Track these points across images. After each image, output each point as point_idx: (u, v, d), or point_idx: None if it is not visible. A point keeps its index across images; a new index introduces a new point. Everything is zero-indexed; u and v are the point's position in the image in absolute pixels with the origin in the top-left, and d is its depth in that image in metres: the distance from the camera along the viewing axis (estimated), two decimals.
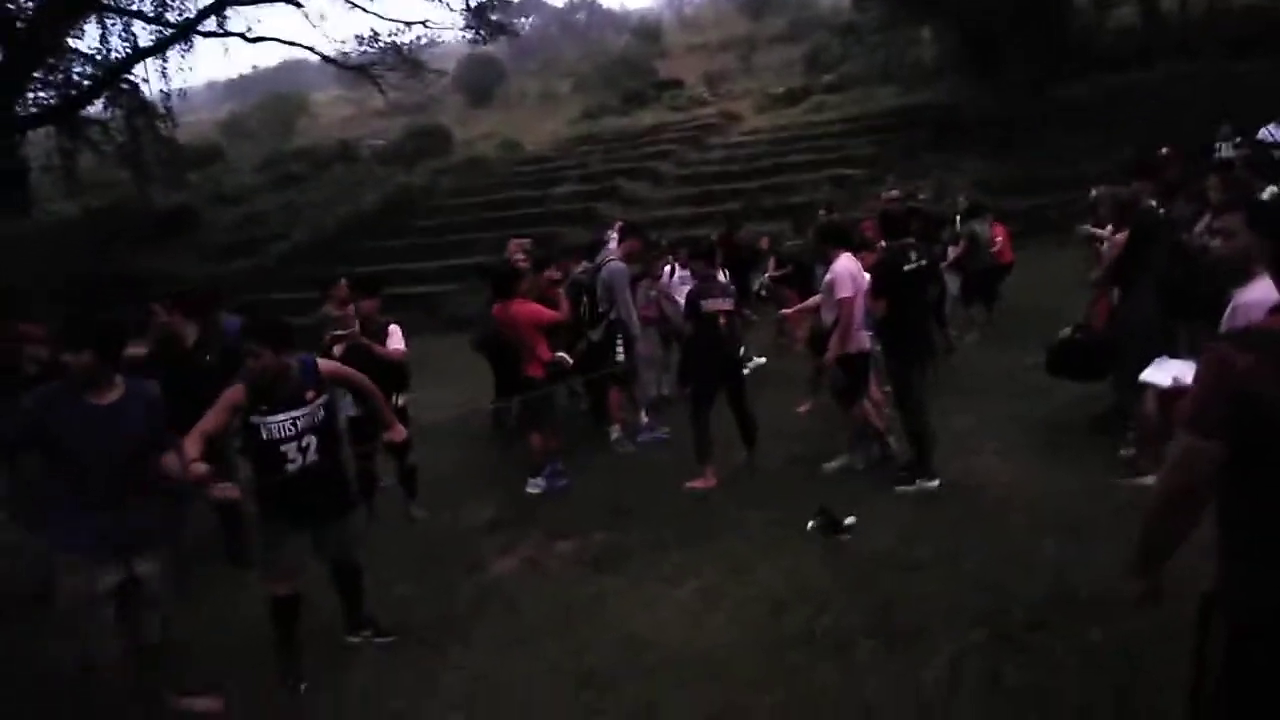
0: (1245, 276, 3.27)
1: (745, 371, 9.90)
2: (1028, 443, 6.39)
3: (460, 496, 6.70)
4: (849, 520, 5.18)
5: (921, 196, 15.23)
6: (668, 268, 8.89)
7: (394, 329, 6.28)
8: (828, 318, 6.23)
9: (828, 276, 6.18)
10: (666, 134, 26.70)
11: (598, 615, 4.51)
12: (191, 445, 3.70)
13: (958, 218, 10.73)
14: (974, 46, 20.60)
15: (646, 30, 45.90)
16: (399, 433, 4.64)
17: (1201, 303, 4.53)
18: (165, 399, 3.76)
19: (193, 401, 4.03)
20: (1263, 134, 12.86)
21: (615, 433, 7.52)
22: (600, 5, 55.54)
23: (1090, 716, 3.19)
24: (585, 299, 7.44)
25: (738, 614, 4.33)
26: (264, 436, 3.97)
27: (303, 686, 4.10)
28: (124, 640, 3.65)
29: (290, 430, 3.98)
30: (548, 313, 6.87)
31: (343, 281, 6.76)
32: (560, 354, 6.83)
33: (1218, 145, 13.46)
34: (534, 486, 6.55)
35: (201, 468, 3.59)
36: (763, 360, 10.13)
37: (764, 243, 12.70)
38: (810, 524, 5.20)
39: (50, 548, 3.57)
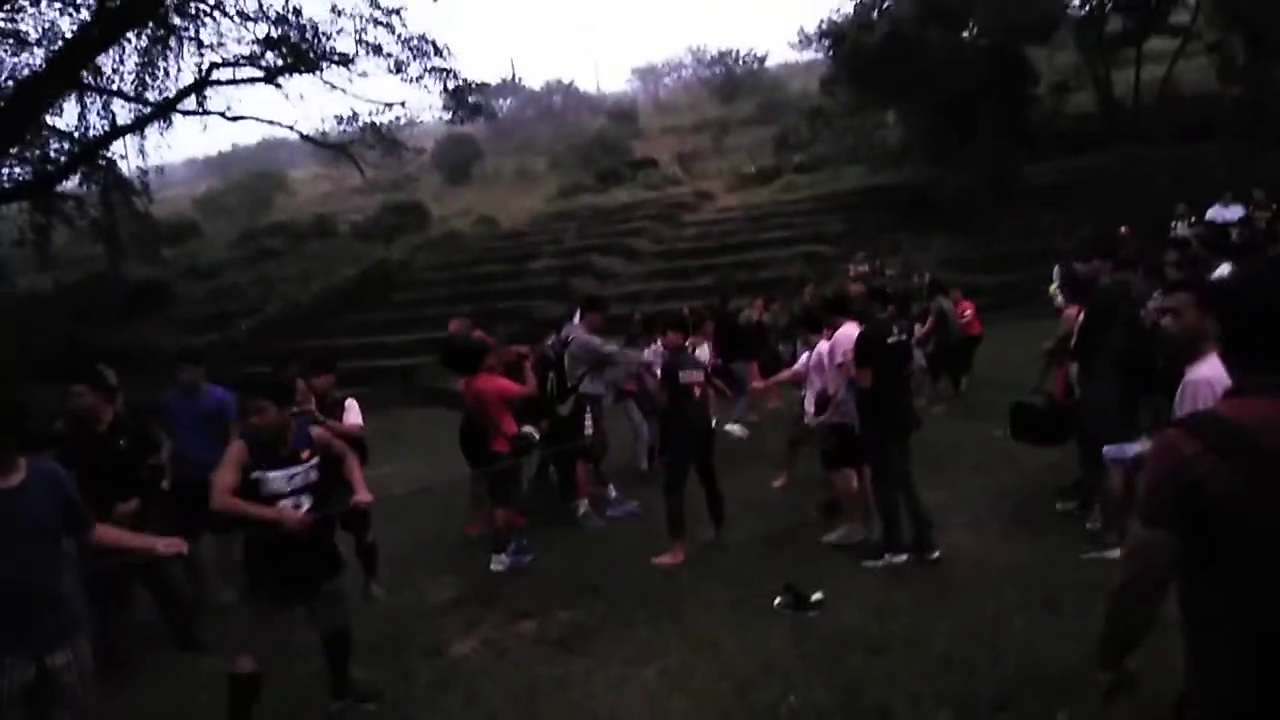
0: (1194, 354, 3.33)
1: (737, 433, 9.99)
2: (996, 515, 6.39)
3: (423, 573, 6.55)
4: (816, 596, 5.11)
5: (889, 273, 15.56)
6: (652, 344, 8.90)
7: (350, 403, 6.18)
8: (822, 384, 6.35)
9: (825, 345, 6.34)
10: (641, 211, 27.17)
11: (559, 699, 4.37)
12: (227, 500, 3.91)
13: (924, 293, 10.95)
14: (939, 130, 21.27)
15: (621, 112, 47.02)
16: (365, 496, 4.56)
17: (1160, 378, 4.59)
18: (76, 478, 3.63)
19: (103, 482, 3.96)
20: (1212, 214, 13.30)
21: (583, 507, 7.43)
22: (576, 88, 56.86)
23: None
24: (552, 374, 7.43)
25: (703, 695, 4.21)
26: (262, 492, 4.02)
27: None
28: None
29: (286, 487, 4.07)
30: (515, 387, 6.84)
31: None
32: (526, 428, 6.78)
33: (1174, 224, 13.90)
34: (498, 564, 6.41)
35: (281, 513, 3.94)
36: (740, 431, 10.16)
37: (756, 313, 12.78)
38: (777, 601, 5.12)
39: None
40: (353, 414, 6.12)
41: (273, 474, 4.04)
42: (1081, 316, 5.70)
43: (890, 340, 5.86)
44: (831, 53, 23.39)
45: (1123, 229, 12.05)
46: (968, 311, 11.44)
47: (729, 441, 9.65)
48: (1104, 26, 22.05)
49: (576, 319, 7.78)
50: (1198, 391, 3.11)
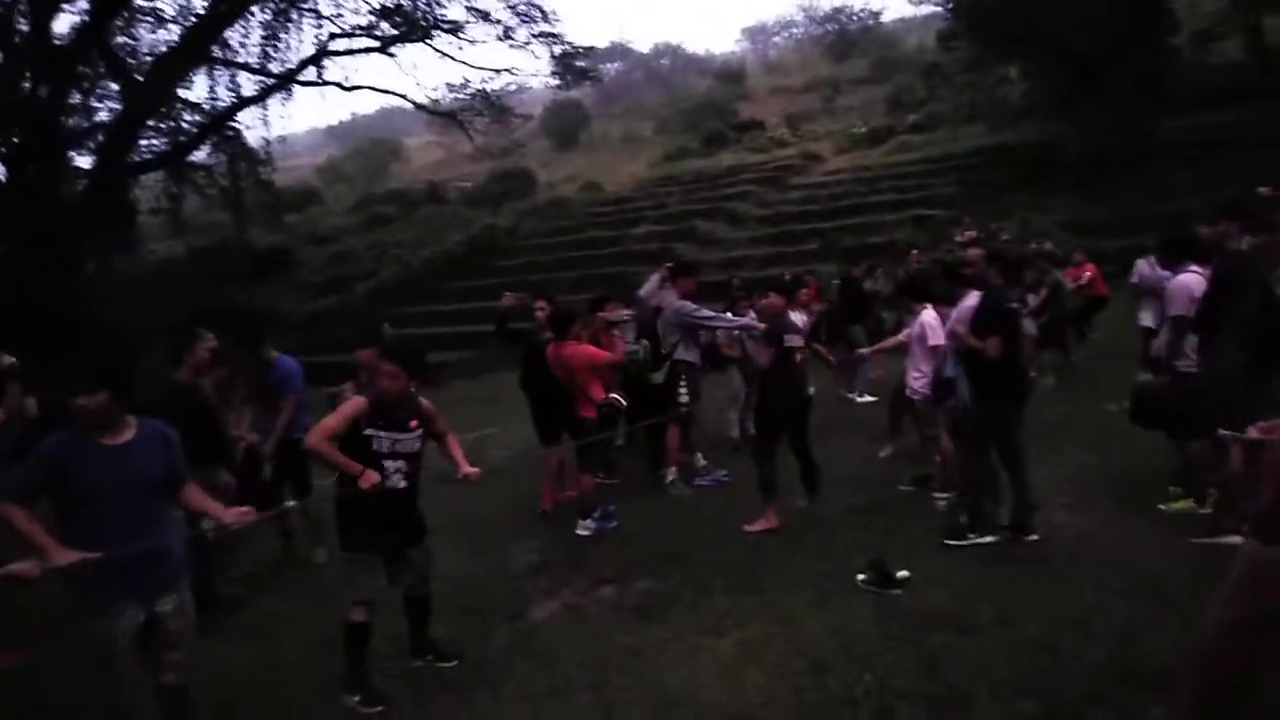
0: None
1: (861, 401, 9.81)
2: (1103, 495, 6.04)
3: (510, 537, 6.67)
4: (902, 574, 4.93)
5: (1004, 237, 14.81)
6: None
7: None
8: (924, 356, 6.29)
9: (929, 316, 6.32)
10: (745, 175, 26.77)
11: (634, 667, 4.37)
12: (322, 444, 4.13)
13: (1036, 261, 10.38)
14: (1065, 85, 20.01)
15: (729, 74, 46.25)
16: (471, 470, 4.63)
17: None
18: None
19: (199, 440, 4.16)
20: None
21: (671, 474, 7.40)
22: (684, 50, 56.21)
23: None
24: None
25: (778, 671, 4.14)
26: (374, 448, 4.23)
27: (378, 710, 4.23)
28: (148, 682, 3.65)
29: (390, 449, 4.26)
30: (602, 354, 6.85)
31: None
32: (613, 395, 6.78)
33: None
34: (583, 529, 6.47)
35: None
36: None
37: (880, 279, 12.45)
38: (861, 577, 4.98)
39: (73, 592, 3.54)
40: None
41: (384, 434, 4.24)
42: (1207, 285, 5.26)
43: (1012, 305, 5.58)
44: (950, 5, 22.32)
45: (1263, 190, 11.08)
46: (1087, 274, 10.85)
47: (832, 411, 9.48)
48: None
49: (654, 282, 7.70)
50: None
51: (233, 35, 21.45)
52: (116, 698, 3.53)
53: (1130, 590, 4.46)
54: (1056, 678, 3.71)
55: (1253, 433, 3.99)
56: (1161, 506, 5.59)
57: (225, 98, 22.31)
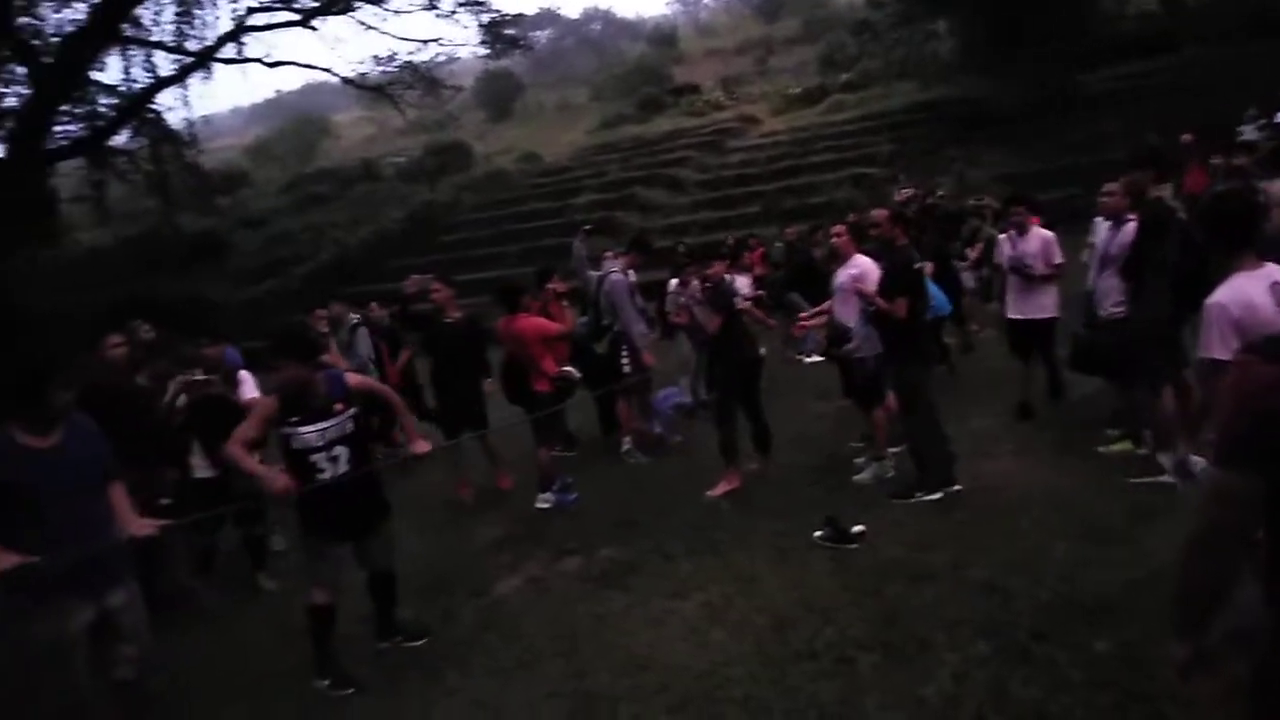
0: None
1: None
2: (1046, 442, 6.25)
3: (470, 515, 6.69)
4: (857, 529, 5.08)
5: (940, 193, 15.05)
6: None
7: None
8: (847, 315, 6.17)
9: (851, 272, 6.09)
10: (684, 140, 26.72)
11: (601, 635, 4.44)
12: (238, 453, 4.03)
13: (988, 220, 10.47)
14: (993, 39, 20.29)
15: (662, 37, 46.01)
16: (423, 447, 4.65)
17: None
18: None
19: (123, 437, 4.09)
20: None
21: (626, 443, 7.47)
22: (615, 15, 55.77)
23: None
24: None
25: (741, 630, 4.24)
26: (294, 446, 4.13)
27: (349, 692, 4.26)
28: (101, 679, 3.62)
29: (319, 441, 4.13)
30: (553, 326, 6.86)
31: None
32: (567, 368, 6.80)
33: (1241, 129, 13.17)
34: (543, 502, 6.51)
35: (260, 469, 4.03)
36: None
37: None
38: (818, 534, 5.11)
39: (14, 593, 3.44)
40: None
41: (304, 429, 4.11)
42: (1132, 232, 5.44)
43: (916, 266, 5.69)
44: None
45: (1185, 136, 11.45)
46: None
47: (780, 372, 9.60)
48: None
49: (579, 248, 7.69)
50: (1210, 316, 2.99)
51: (145, 13, 20.67)
52: (70, 698, 3.49)
53: (1073, 531, 4.66)
54: (1006, 618, 3.88)
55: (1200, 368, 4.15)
56: (1100, 449, 5.81)
57: (142, 79, 21.49)
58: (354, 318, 8.49)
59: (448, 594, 5.23)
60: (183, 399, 5.65)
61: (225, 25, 21.95)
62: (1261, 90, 14.17)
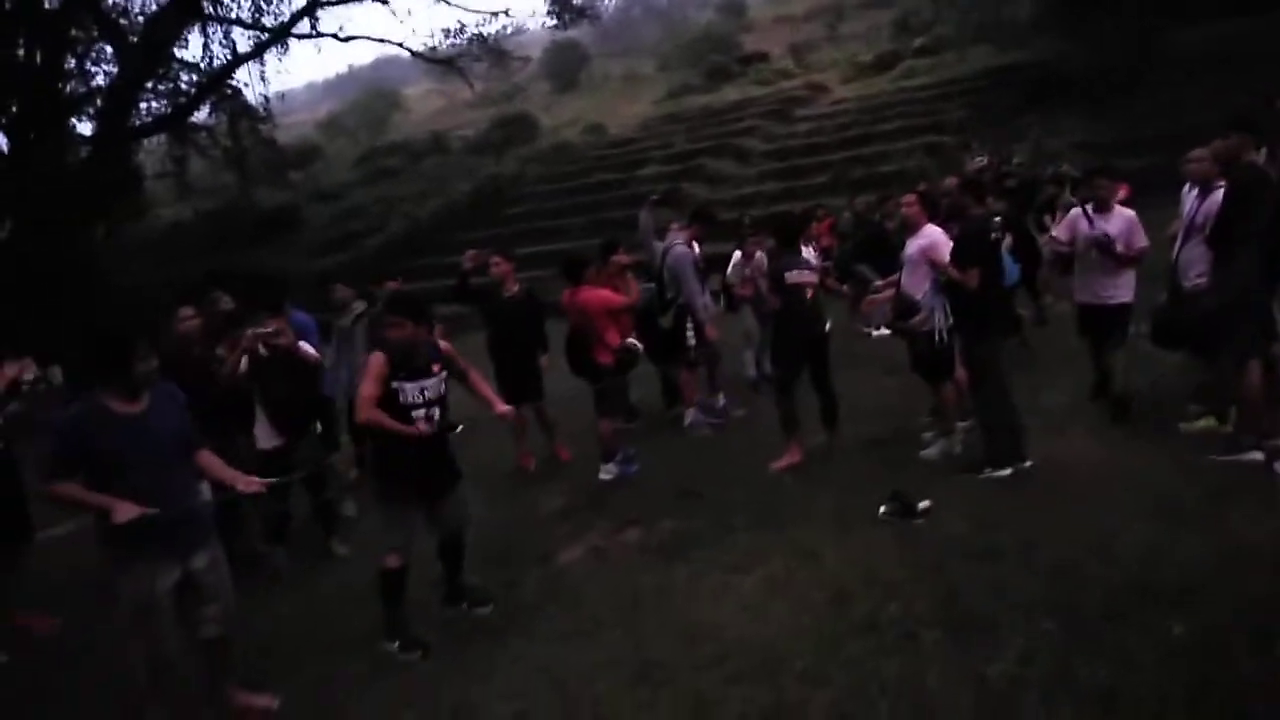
0: None
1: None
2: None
3: (533, 485, 6.78)
4: (923, 505, 5.00)
5: (1016, 161, 14.57)
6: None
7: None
8: (915, 287, 5.99)
9: (920, 243, 5.89)
10: (751, 109, 26.33)
11: (661, 606, 4.47)
12: (373, 413, 4.23)
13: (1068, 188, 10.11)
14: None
15: (730, 5, 45.24)
16: (504, 408, 4.77)
17: None
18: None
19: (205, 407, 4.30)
20: None
21: (689, 416, 7.47)
22: None
23: (1164, 717, 2.98)
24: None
25: (802, 603, 4.22)
26: (400, 400, 4.32)
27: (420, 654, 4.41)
28: (187, 638, 3.80)
29: (420, 398, 4.35)
30: (617, 298, 6.85)
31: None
32: (630, 340, 6.81)
33: None
34: (606, 473, 6.56)
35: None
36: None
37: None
38: (882, 509, 5.04)
39: (106, 553, 3.69)
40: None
41: (409, 385, 4.32)
42: (1221, 199, 5.18)
43: (993, 236, 5.53)
44: None
45: (1278, 102, 10.82)
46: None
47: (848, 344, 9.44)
48: None
49: (645, 219, 7.63)
50: None
51: None
52: (157, 652, 3.66)
53: (1150, 511, 4.50)
54: (1076, 599, 3.78)
55: None
56: (1182, 426, 5.60)
57: (221, 55, 22.11)
58: (358, 306, 7.47)
59: (512, 563, 5.33)
60: (245, 363, 5.66)
61: (300, 1, 22.22)
62: None
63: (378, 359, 4.35)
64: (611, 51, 43.15)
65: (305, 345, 6.04)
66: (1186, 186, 5.63)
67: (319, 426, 6.34)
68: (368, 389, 4.29)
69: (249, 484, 3.89)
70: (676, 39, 40.12)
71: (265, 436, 5.72)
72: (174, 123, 21.68)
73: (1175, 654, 3.27)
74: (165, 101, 21.78)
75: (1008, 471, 5.34)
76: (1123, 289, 6.07)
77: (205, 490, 4.25)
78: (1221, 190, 5.16)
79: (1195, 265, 5.34)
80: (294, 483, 5.47)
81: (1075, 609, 3.69)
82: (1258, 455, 4.87)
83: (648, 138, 26.80)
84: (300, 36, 22.83)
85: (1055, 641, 3.48)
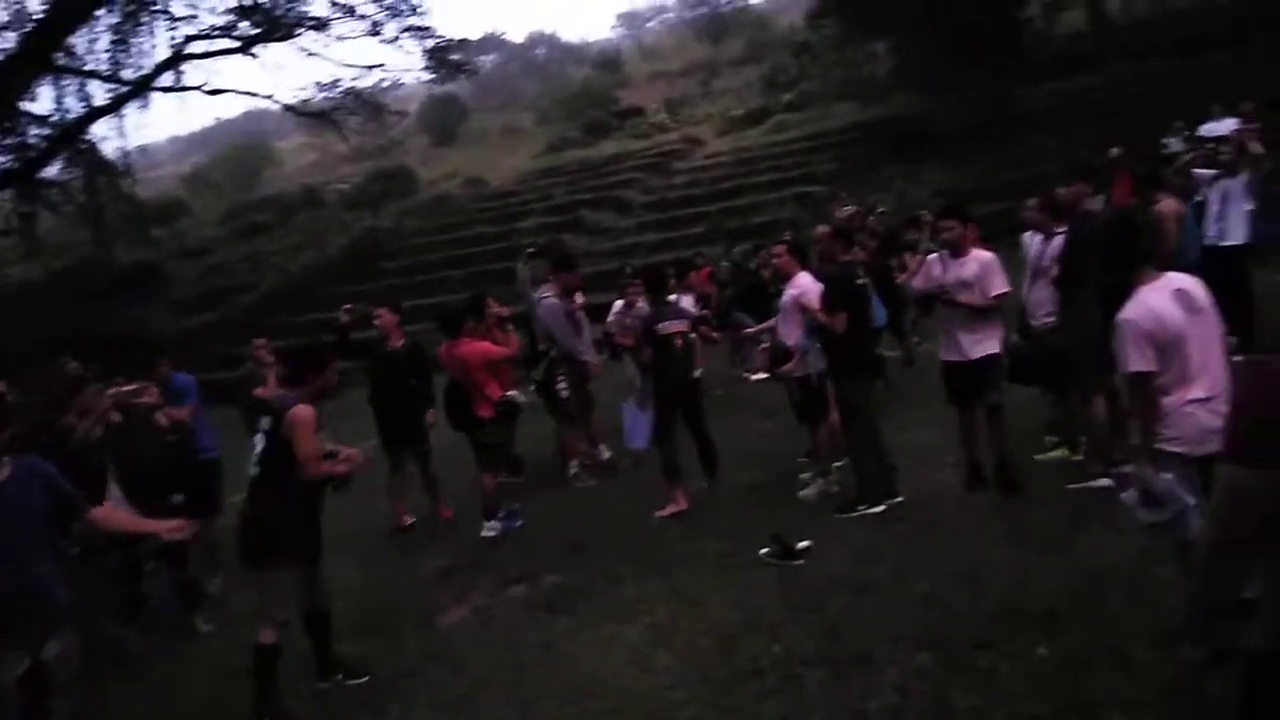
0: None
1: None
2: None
3: (414, 546, 6.57)
4: (803, 545, 5.08)
5: (881, 210, 15.30)
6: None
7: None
8: (789, 334, 6.17)
9: (792, 293, 6.10)
10: (629, 162, 26.86)
11: (548, 662, 4.38)
12: (324, 465, 4.22)
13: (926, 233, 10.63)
14: (928, 58, 20.80)
15: (606, 61, 46.27)
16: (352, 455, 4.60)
17: None
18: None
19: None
20: (1205, 129, 13.00)
21: (573, 468, 7.41)
22: (559, 39, 56.00)
23: None
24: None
25: (687, 651, 4.21)
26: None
27: None
28: None
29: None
30: (497, 350, 6.79)
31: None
32: (511, 393, 6.73)
33: (1166, 141, 13.62)
34: (489, 530, 6.41)
35: None
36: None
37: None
38: (763, 551, 5.10)
39: None
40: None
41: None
42: (1063, 244, 5.55)
43: (859, 282, 5.76)
44: None
45: (1113, 150, 11.80)
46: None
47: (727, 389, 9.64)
48: None
49: (522, 272, 7.64)
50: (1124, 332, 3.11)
51: (78, 41, 20.20)
52: None
53: (1014, 539, 4.72)
54: (949, 629, 3.90)
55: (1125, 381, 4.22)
56: (1038, 457, 5.90)
57: (75, 108, 21.00)
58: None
59: (391, 627, 5.13)
60: (98, 431, 5.29)
61: (163, 53, 21.44)
62: (1184, 105, 14.72)
63: (311, 413, 4.19)
64: (490, 106, 43.35)
65: (176, 410, 5.74)
66: (1030, 233, 6.01)
67: (181, 497, 5.97)
68: (311, 445, 4.14)
69: (172, 531, 3.63)
70: (554, 94, 40.68)
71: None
72: (21, 178, 20.41)
73: (1042, 676, 3.40)
74: (11, 156, 20.50)
75: (881, 508, 5.52)
76: (987, 340, 5.54)
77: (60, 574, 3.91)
78: (1061, 235, 5.53)
79: (1043, 305, 5.69)
80: (148, 559, 5.13)
81: (948, 639, 3.81)
82: (1106, 482, 5.18)
83: (527, 190, 26.95)
84: (163, 89, 21.97)
85: (931, 672, 3.58)
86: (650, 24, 59.49)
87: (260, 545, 4.21)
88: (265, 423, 4.25)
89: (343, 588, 5.66)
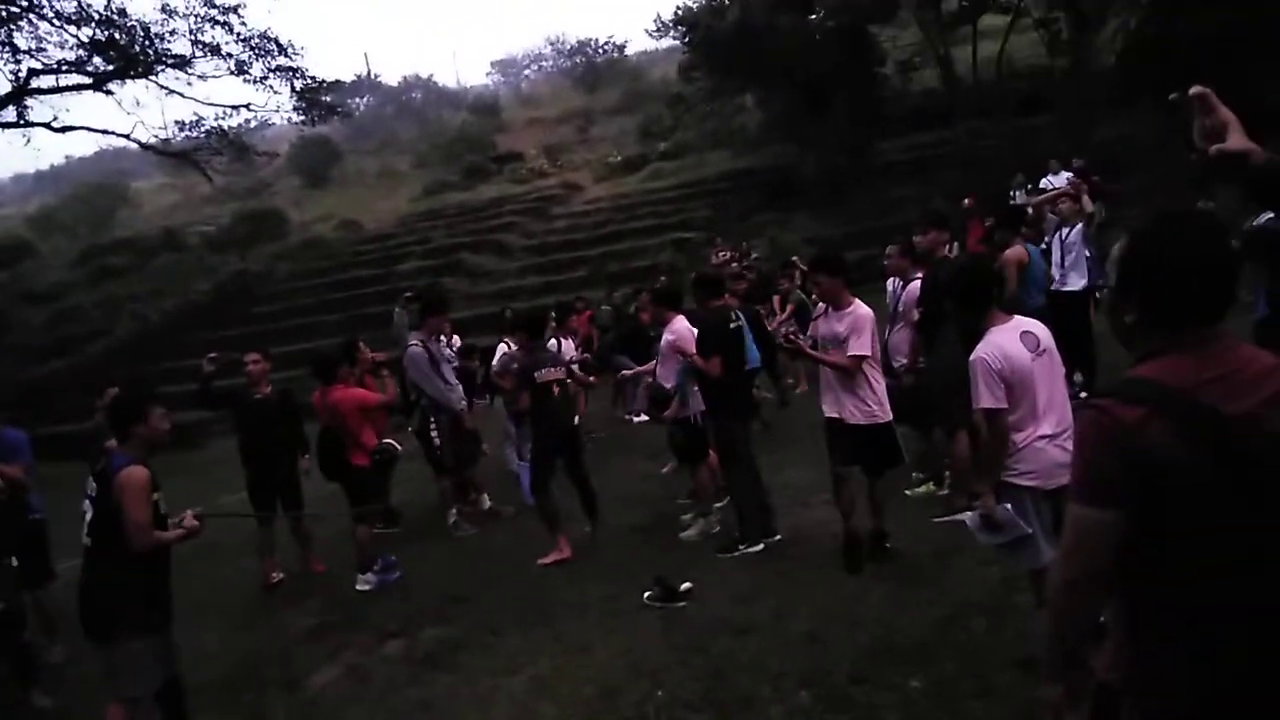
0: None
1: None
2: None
3: (282, 604, 6.25)
4: (685, 586, 5.11)
5: (755, 255, 15.81)
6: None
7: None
8: (667, 377, 6.23)
9: (668, 337, 6.17)
10: (509, 206, 26.87)
11: None
12: (160, 536, 3.92)
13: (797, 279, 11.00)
14: (795, 112, 21.74)
15: (484, 106, 46.23)
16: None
17: None
18: None
19: None
20: (1044, 183, 14.06)
21: (452, 517, 7.25)
22: (435, 83, 55.66)
23: None
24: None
25: (571, 702, 4.15)
26: (161, 511, 3.96)
27: None
28: None
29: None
30: (372, 396, 6.62)
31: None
32: (387, 440, 6.56)
33: (1012, 193, 14.65)
34: (364, 583, 6.18)
35: None
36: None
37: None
38: (646, 595, 5.10)
39: None
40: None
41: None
42: (919, 289, 5.85)
43: (732, 326, 5.91)
44: (687, 39, 23.53)
45: (966, 200, 12.61)
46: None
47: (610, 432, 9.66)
48: (941, 5, 22.92)
49: (399, 318, 7.53)
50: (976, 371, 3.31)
51: None
52: None
53: (887, 573, 4.89)
54: (827, 665, 3.98)
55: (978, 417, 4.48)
56: (907, 492, 6.15)
57: None
58: None
59: (257, 691, 4.84)
60: None
61: (3, 87, 20.17)
62: (1028, 159, 15.89)
63: (142, 474, 3.83)
64: (365, 149, 42.50)
65: (6, 468, 5.30)
66: (892, 279, 6.31)
67: (14, 561, 5.50)
68: (143, 513, 3.77)
69: None
70: (432, 137, 40.29)
71: None
72: None
73: (916, 707, 3.51)
74: None
75: (760, 546, 5.62)
76: (875, 406, 5.15)
77: None
78: (918, 281, 5.84)
79: (902, 348, 5.97)
80: None
81: (827, 675, 3.89)
82: (970, 514, 5.43)
83: (406, 233, 26.53)
84: (4, 125, 20.63)
85: (810, 710, 3.64)
86: (526, 71, 59.91)
87: (104, 617, 3.87)
88: (91, 487, 3.89)
89: (202, 654, 5.35)
